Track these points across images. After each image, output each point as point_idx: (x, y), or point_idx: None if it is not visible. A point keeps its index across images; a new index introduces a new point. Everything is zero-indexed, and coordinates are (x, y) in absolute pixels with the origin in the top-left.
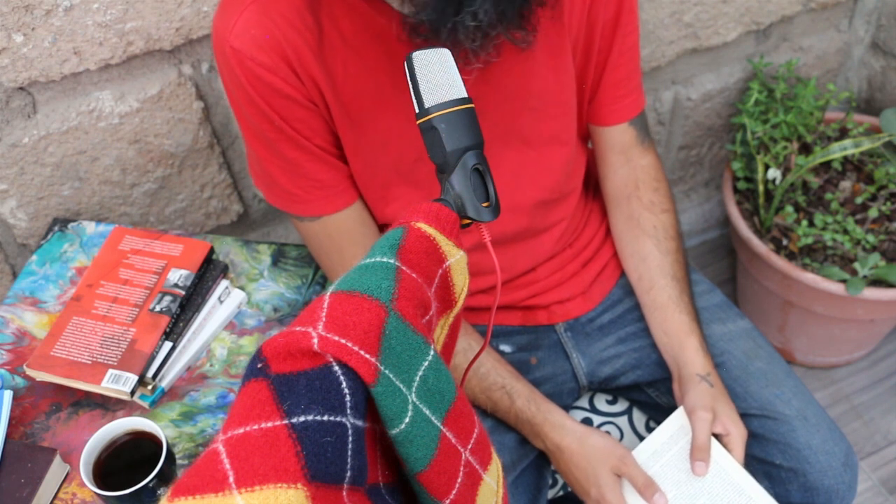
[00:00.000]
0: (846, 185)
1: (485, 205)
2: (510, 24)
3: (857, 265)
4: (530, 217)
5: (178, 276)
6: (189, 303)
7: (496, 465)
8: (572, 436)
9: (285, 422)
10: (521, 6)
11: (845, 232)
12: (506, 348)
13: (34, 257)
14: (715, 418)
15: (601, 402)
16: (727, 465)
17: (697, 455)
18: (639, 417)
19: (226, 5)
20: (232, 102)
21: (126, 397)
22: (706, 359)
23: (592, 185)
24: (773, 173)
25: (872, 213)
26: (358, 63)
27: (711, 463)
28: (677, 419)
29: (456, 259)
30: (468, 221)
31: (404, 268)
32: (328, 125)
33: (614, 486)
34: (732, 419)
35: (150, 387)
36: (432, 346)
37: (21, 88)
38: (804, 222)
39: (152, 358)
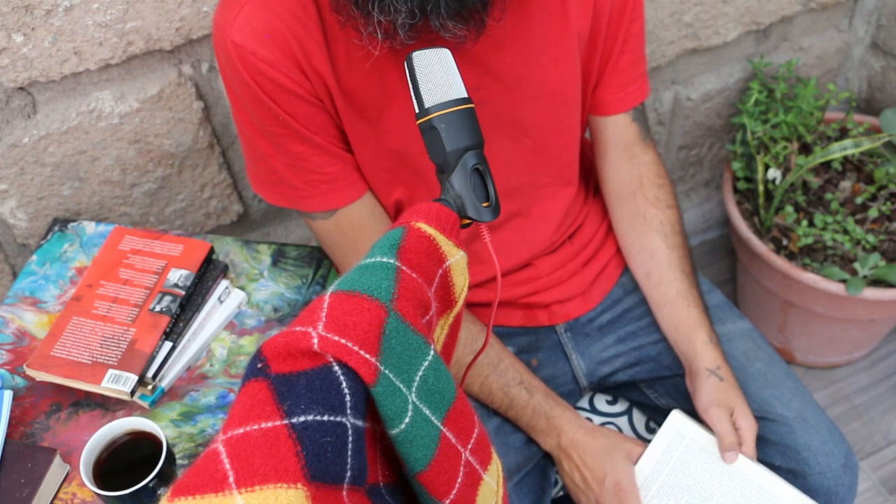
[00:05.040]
0: (846, 185)
1: (485, 205)
2: (437, 13)
3: (857, 265)
4: (521, 200)
5: (178, 276)
6: (189, 303)
7: (496, 464)
8: (587, 429)
9: (285, 422)
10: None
11: (845, 232)
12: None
13: (34, 257)
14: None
15: (601, 402)
16: (736, 461)
17: (726, 448)
18: (639, 418)
19: (226, 0)
20: (232, 99)
21: (126, 397)
22: (716, 352)
23: (593, 184)
24: (773, 173)
25: (872, 213)
26: (361, 52)
27: (717, 460)
28: (672, 425)
29: (456, 259)
30: (468, 221)
31: (404, 268)
32: (333, 119)
33: (629, 471)
34: (743, 413)
35: (150, 387)
36: (432, 346)
37: (21, 88)
38: (804, 222)
39: (152, 358)
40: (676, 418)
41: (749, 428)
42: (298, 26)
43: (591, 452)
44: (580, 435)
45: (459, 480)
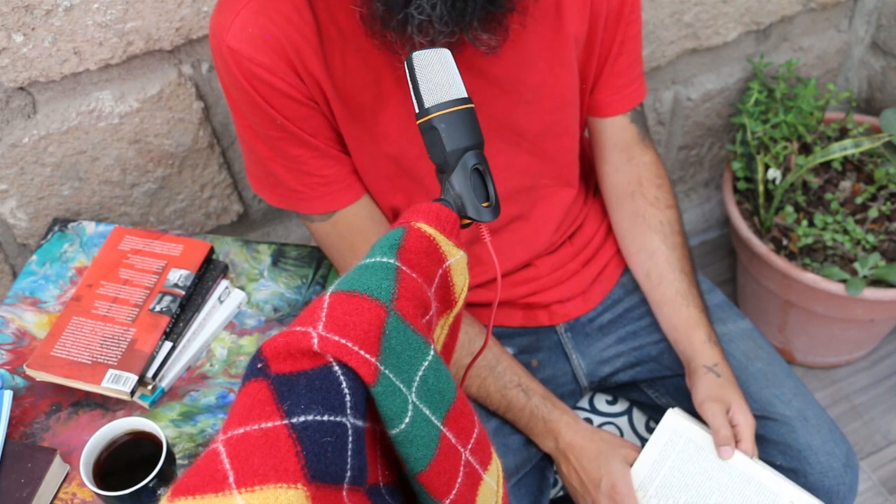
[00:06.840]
0: (846, 185)
1: (485, 205)
2: (470, 27)
3: (857, 265)
4: (520, 204)
5: (178, 276)
6: (189, 303)
7: (496, 464)
8: (584, 433)
9: (285, 422)
10: (481, 9)
11: (845, 232)
12: (507, 350)
13: (34, 257)
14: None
15: (601, 402)
16: (733, 458)
17: (720, 442)
18: (639, 418)
19: (222, 4)
20: (230, 103)
21: (126, 397)
22: (714, 350)
23: (592, 185)
24: (773, 173)
25: (872, 213)
26: (357, 58)
27: (714, 458)
28: (668, 424)
29: (456, 259)
30: (468, 221)
31: (404, 268)
32: (329, 122)
33: (624, 474)
34: (741, 409)
35: (150, 387)
36: (432, 346)
37: (21, 88)
38: (804, 222)
39: (152, 358)
40: (672, 417)
41: (747, 424)
42: (293, 31)
43: (587, 456)
44: (577, 438)
45: (459, 480)
